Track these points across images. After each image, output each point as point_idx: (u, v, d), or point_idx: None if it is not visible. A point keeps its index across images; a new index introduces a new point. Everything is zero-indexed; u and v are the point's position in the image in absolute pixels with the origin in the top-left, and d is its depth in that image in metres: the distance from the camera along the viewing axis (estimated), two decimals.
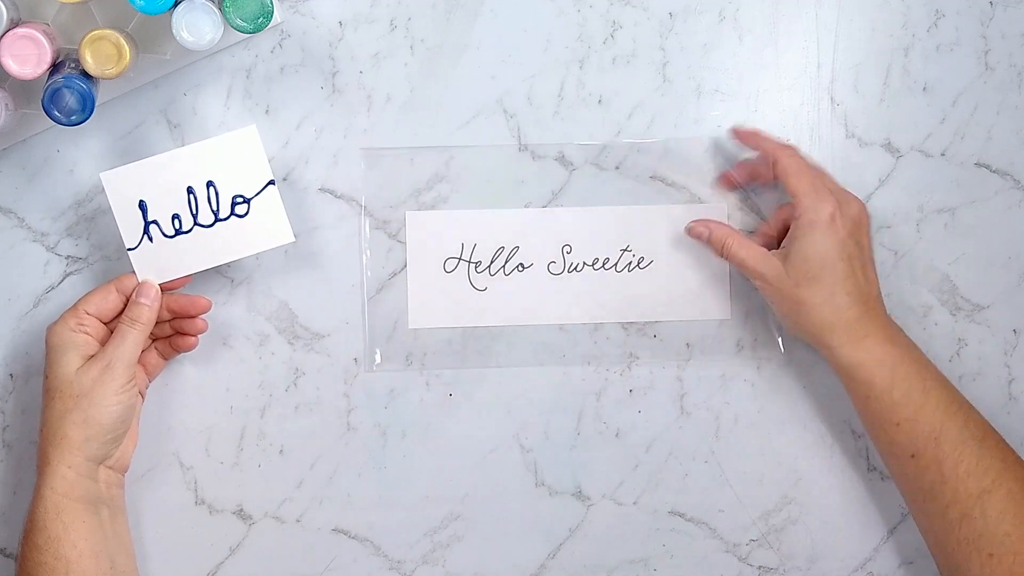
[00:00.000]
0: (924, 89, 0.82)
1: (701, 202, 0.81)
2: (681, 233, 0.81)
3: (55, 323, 0.73)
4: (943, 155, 0.82)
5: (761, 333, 0.82)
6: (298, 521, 0.81)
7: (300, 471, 0.81)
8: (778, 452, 0.82)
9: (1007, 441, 0.74)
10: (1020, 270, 0.83)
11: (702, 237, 0.79)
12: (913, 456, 0.73)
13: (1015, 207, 0.83)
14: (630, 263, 0.81)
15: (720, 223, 0.79)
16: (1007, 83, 0.82)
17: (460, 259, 0.81)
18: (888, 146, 0.82)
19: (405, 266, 0.81)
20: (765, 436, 0.82)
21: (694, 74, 0.82)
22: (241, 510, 0.81)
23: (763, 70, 0.82)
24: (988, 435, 0.73)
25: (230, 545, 0.81)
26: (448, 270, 0.81)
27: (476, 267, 0.81)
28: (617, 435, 0.82)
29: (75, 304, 0.73)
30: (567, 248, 0.81)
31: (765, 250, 0.77)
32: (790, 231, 0.76)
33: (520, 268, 0.81)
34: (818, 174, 0.77)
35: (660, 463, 0.82)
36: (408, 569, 0.81)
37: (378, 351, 0.81)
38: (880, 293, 0.77)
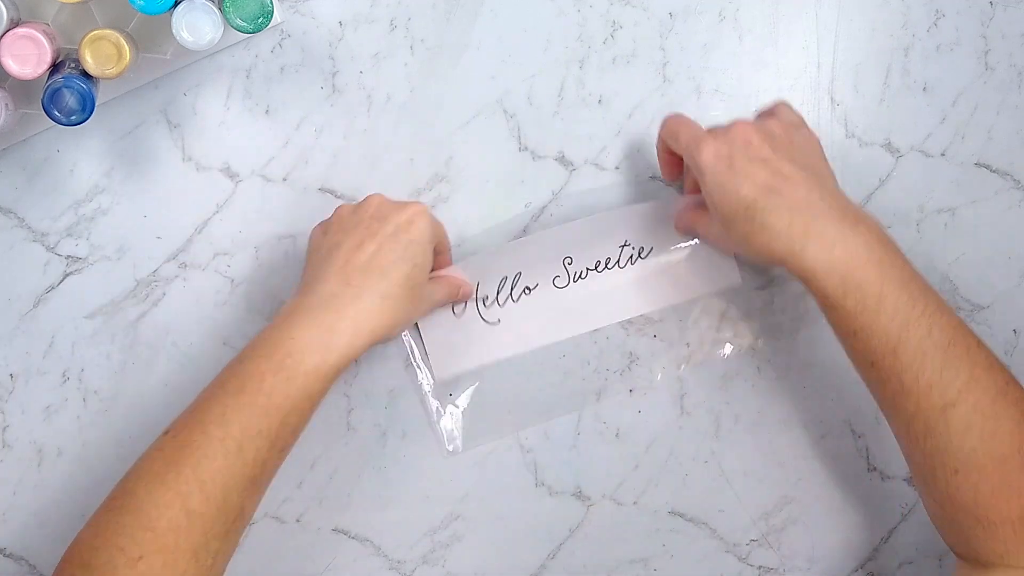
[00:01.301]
0: (924, 89, 0.82)
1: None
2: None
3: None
4: (943, 155, 0.82)
5: (761, 332, 0.82)
6: (298, 521, 0.81)
7: (300, 471, 0.81)
8: (778, 452, 0.82)
9: (985, 345, 0.68)
10: (1020, 270, 0.83)
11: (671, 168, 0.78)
12: (872, 364, 0.68)
13: (1015, 207, 0.83)
14: (631, 256, 0.81)
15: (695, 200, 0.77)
16: (1007, 83, 0.82)
17: (467, 300, 0.81)
18: (888, 146, 0.82)
19: None
20: (765, 436, 0.82)
21: (694, 74, 0.82)
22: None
23: (763, 70, 0.82)
24: (955, 342, 0.66)
25: None
26: (458, 313, 0.81)
27: (484, 302, 0.81)
28: (617, 435, 0.82)
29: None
30: (568, 260, 0.81)
31: (705, 213, 0.75)
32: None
33: (527, 291, 0.81)
34: (692, 129, 0.73)
35: (660, 463, 0.82)
36: (408, 569, 0.81)
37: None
38: (823, 179, 0.71)
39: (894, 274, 0.67)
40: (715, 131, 0.71)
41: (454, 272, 0.80)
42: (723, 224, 0.70)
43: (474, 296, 0.80)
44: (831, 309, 0.68)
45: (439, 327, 0.80)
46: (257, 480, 0.67)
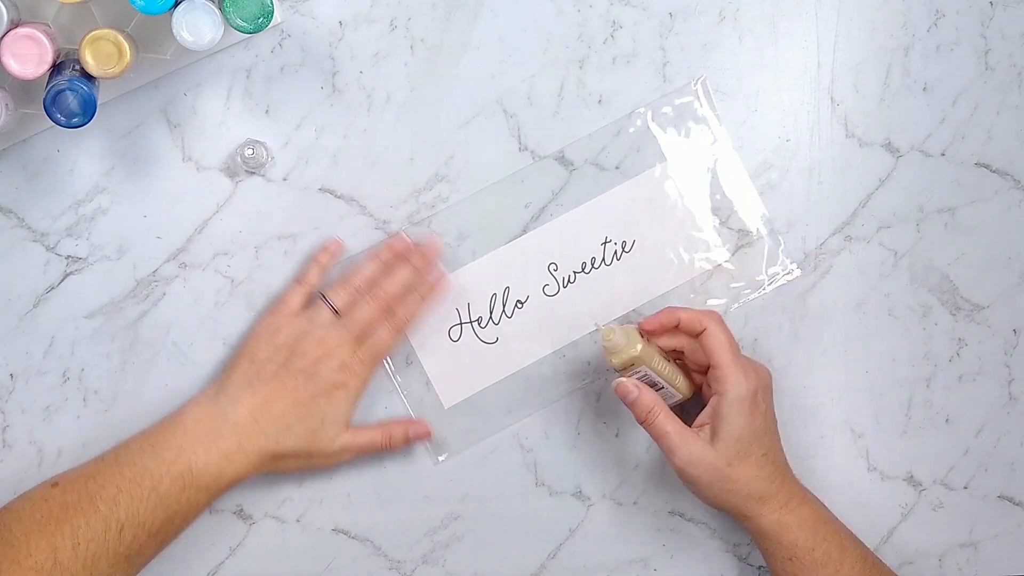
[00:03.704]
0: (924, 89, 0.82)
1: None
2: (653, 205, 0.81)
3: None
4: (943, 155, 0.82)
5: (761, 332, 0.82)
6: (298, 521, 0.81)
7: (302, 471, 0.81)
8: None
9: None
10: (1020, 270, 0.83)
11: (627, 398, 0.74)
12: None
13: (1015, 207, 0.83)
14: (616, 252, 0.81)
15: (649, 389, 0.74)
16: (1007, 83, 0.82)
17: (461, 323, 0.81)
18: (888, 146, 0.82)
19: None
20: None
21: (694, 74, 0.81)
22: (241, 510, 0.81)
23: (763, 70, 0.82)
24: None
25: (230, 545, 0.81)
26: (454, 338, 0.81)
27: (479, 323, 0.81)
28: (617, 435, 0.82)
29: None
30: (553, 266, 0.81)
31: (689, 429, 0.73)
32: (714, 407, 0.74)
33: (519, 305, 0.81)
34: (735, 344, 0.75)
35: (661, 463, 0.82)
36: (408, 569, 0.81)
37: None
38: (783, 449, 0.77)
39: (842, 525, 0.77)
40: (750, 363, 0.75)
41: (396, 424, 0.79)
42: (726, 459, 0.73)
43: (468, 319, 0.80)
44: (796, 560, 0.74)
45: (438, 355, 0.80)
46: (132, 560, 0.72)
